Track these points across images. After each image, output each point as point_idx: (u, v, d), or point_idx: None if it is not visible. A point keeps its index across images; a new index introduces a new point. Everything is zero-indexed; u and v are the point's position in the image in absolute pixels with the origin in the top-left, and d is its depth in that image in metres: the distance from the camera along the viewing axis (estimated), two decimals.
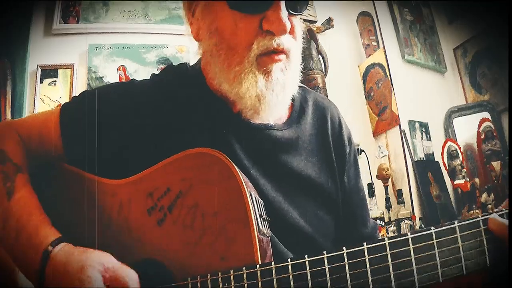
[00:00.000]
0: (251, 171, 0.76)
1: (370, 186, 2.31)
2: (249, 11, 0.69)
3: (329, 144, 0.86)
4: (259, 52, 0.70)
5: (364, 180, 2.50)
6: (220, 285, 0.60)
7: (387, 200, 2.35)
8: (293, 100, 0.84)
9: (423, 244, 0.55)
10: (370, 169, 2.45)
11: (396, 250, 0.55)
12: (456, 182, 2.43)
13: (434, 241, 0.54)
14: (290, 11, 0.70)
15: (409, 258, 0.54)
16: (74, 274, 0.59)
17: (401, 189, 2.37)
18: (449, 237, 0.54)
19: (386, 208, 2.34)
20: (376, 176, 2.43)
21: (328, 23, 2.72)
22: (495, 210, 0.56)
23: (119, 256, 0.63)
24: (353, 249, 0.56)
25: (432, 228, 0.55)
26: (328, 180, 0.84)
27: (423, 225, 2.28)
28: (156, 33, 2.56)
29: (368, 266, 0.55)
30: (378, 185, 2.41)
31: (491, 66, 2.59)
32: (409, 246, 0.55)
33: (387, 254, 0.55)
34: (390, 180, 2.44)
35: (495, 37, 2.50)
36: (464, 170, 2.43)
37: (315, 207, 0.81)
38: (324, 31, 2.72)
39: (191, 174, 0.67)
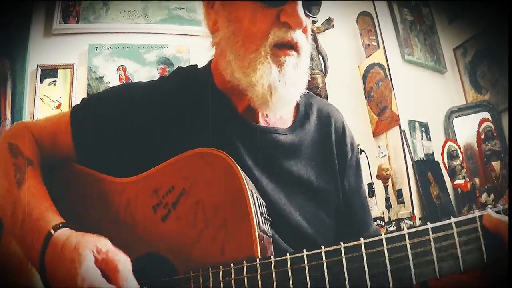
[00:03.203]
0: (254, 172, 0.78)
1: (370, 186, 2.31)
2: (269, 3, 0.74)
3: (332, 150, 0.88)
4: (274, 42, 0.73)
5: (364, 180, 2.51)
6: (221, 278, 0.62)
7: (387, 200, 2.36)
8: (298, 105, 0.87)
9: (420, 239, 0.55)
10: (370, 169, 2.45)
11: (393, 246, 0.55)
12: (456, 182, 2.43)
13: (431, 236, 0.54)
14: (306, 11, 0.75)
15: (405, 253, 0.54)
16: (67, 254, 0.61)
17: (401, 189, 2.37)
18: (445, 233, 0.54)
19: (386, 208, 2.34)
20: (376, 176, 2.43)
21: (328, 23, 2.72)
22: (491, 207, 0.56)
23: (124, 250, 0.64)
24: (350, 244, 0.57)
25: (429, 224, 0.55)
26: (330, 184, 0.86)
27: None
28: (156, 33, 2.57)
29: (365, 261, 0.55)
30: (378, 185, 2.41)
31: (491, 66, 2.59)
32: (406, 241, 0.55)
33: (383, 249, 0.55)
34: (390, 180, 2.44)
35: (495, 37, 2.50)
36: (464, 170, 2.43)
37: (316, 209, 0.83)
38: (324, 31, 2.72)
39: (194, 173, 0.70)
